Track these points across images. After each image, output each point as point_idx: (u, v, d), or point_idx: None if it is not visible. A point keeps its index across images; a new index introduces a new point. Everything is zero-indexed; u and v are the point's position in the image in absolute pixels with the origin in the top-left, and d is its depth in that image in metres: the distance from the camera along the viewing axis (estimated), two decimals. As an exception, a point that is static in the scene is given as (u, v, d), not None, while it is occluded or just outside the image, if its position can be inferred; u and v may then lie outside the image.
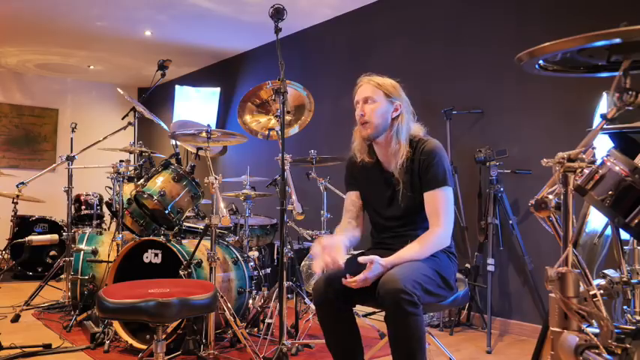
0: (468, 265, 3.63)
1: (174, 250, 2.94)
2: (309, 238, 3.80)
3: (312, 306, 3.06)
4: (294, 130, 3.33)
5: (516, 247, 3.47)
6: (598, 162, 1.14)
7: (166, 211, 3.20)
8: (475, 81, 3.84)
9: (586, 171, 1.15)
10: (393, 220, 2.13)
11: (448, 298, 2.02)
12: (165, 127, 4.20)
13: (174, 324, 2.83)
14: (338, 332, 2.01)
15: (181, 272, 2.80)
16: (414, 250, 1.95)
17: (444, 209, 2.01)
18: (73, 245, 3.73)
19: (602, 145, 1.44)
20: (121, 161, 3.59)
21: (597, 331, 1.10)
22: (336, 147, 4.75)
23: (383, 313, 1.84)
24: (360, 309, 3.25)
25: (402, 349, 1.81)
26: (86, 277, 3.58)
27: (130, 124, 3.96)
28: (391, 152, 2.10)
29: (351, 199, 2.25)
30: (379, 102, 2.08)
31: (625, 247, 1.46)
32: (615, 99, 1.11)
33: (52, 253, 5.55)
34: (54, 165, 4.36)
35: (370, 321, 3.27)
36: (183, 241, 3.17)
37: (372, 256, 1.88)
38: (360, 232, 2.22)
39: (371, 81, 2.11)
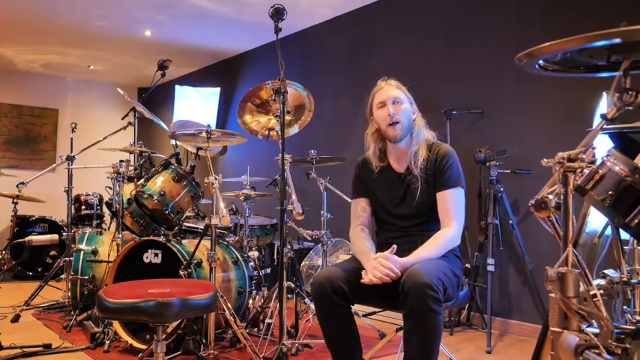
0: (468, 265, 3.63)
1: (174, 250, 2.94)
2: (309, 238, 3.80)
3: (312, 306, 3.06)
4: (294, 130, 3.33)
5: (516, 247, 3.47)
6: (598, 162, 1.14)
7: (166, 211, 3.20)
8: (475, 81, 3.84)
9: (586, 171, 1.14)
10: (404, 220, 2.16)
11: (454, 299, 2.04)
12: (165, 127, 4.20)
13: (175, 324, 2.83)
14: (337, 328, 2.02)
15: (181, 272, 2.80)
16: (429, 249, 1.99)
17: (456, 208, 2.05)
18: (73, 245, 3.73)
19: (602, 145, 1.44)
20: (121, 161, 3.59)
21: (597, 331, 1.10)
22: (336, 147, 4.76)
23: (383, 313, 1.84)
24: (360, 309, 3.24)
25: (418, 345, 1.79)
26: (86, 277, 3.58)
27: (130, 124, 3.96)
28: (411, 153, 2.15)
29: (362, 206, 2.27)
30: (406, 103, 2.16)
31: (625, 247, 1.46)
32: (615, 99, 1.11)
33: (52, 253, 5.56)
34: (54, 165, 4.36)
35: (370, 321, 3.26)
36: (183, 241, 3.17)
37: (392, 257, 1.93)
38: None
39: (393, 83, 2.18)
